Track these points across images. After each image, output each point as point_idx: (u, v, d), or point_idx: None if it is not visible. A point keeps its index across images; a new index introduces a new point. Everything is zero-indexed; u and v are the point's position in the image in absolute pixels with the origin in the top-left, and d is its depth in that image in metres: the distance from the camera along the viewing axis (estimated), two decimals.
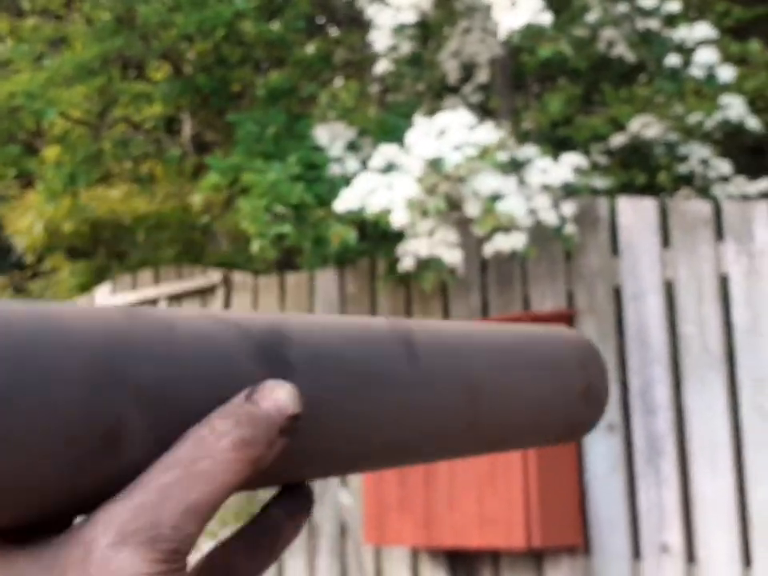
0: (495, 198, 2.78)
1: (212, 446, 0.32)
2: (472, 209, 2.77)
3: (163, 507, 0.31)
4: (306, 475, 0.40)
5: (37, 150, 5.43)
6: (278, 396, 0.34)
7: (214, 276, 4.52)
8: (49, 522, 0.33)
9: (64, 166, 4.15)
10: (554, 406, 0.52)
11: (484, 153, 2.68)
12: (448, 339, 0.48)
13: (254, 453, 0.33)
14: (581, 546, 3.17)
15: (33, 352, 0.30)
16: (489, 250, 2.91)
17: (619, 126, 4.08)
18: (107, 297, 5.02)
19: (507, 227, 2.79)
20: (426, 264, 2.95)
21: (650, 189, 3.87)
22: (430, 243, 2.88)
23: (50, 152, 4.80)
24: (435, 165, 2.69)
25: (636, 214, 3.25)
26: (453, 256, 2.90)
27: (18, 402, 0.29)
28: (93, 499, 0.32)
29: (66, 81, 3.86)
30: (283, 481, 0.39)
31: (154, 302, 4.75)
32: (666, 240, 3.21)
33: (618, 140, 3.95)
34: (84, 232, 5.31)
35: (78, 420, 0.31)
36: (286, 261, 4.57)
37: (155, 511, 0.31)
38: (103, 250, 5.69)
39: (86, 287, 5.54)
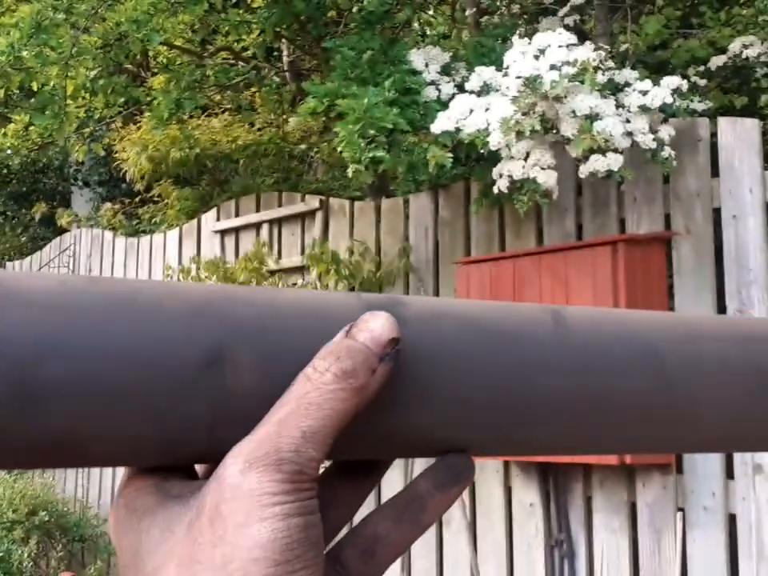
0: (592, 117, 2.78)
1: (318, 381, 0.35)
2: (568, 129, 2.79)
3: (282, 435, 0.35)
4: (429, 425, 0.39)
5: (143, 80, 5.61)
6: (374, 326, 0.36)
7: (313, 202, 4.65)
8: (182, 455, 0.36)
9: (170, 92, 4.30)
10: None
11: (582, 72, 2.68)
12: (609, 313, 0.43)
13: (356, 381, 0.35)
14: (673, 464, 3.22)
15: (143, 298, 0.35)
16: (584, 170, 2.93)
17: (719, 50, 3.98)
18: (213, 222, 5.22)
19: (603, 148, 2.80)
20: (521, 186, 2.98)
21: (750, 112, 3.78)
22: (524, 165, 2.91)
23: (157, 81, 4.96)
24: (532, 84, 2.70)
25: (737, 135, 3.21)
26: (547, 178, 2.93)
27: (130, 341, 0.33)
28: (210, 425, 0.35)
29: (170, 7, 3.97)
30: (406, 427, 0.38)
31: (256, 225, 4.93)
32: None
33: (717, 61, 3.86)
34: (188, 161, 5.50)
35: (183, 347, 0.34)
36: (381, 187, 4.66)
37: (276, 439, 0.35)
38: (207, 177, 5.89)
39: (192, 214, 5.77)
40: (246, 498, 0.34)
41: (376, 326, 0.36)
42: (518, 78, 2.75)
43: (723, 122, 3.25)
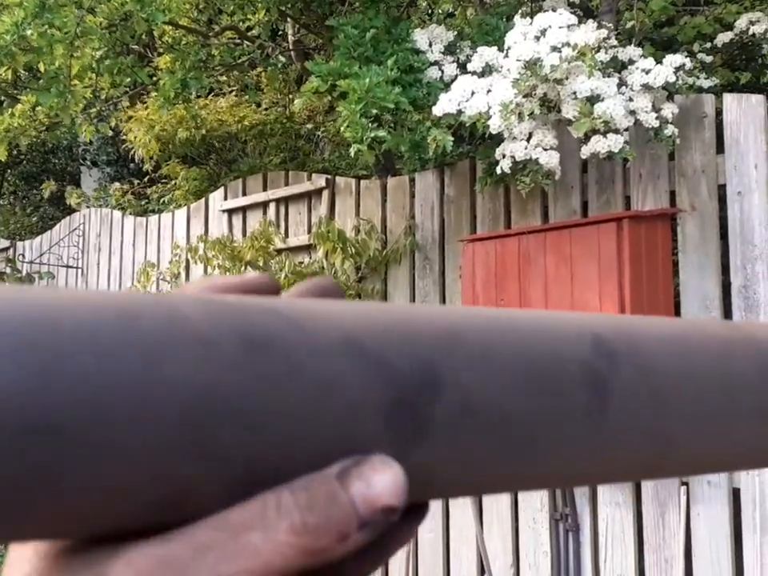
0: (593, 99, 2.78)
1: (270, 521, 0.28)
2: (569, 110, 2.79)
3: (191, 569, 0.27)
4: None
5: (150, 60, 5.62)
6: (375, 482, 0.28)
7: (319, 181, 4.67)
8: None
9: (176, 72, 4.31)
10: None
11: (581, 54, 2.68)
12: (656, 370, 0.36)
13: (313, 544, 0.28)
14: None
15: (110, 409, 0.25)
16: (586, 151, 2.93)
17: (725, 26, 3.96)
18: (220, 202, 5.26)
19: (604, 130, 2.80)
20: (523, 166, 2.99)
21: (756, 88, 3.76)
22: (527, 146, 2.91)
23: (163, 60, 4.97)
24: (532, 67, 2.70)
25: (742, 111, 3.20)
26: (550, 159, 2.94)
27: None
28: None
29: None
30: None
31: (263, 204, 4.95)
32: None
33: (724, 38, 3.85)
34: (195, 141, 5.52)
35: (144, 478, 0.26)
36: (388, 165, 4.67)
37: (180, 571, 0.27)
38: (214, 157, 5.91)
39: (200, 193, 5.80)
40: None
41: (379, 483, 0.28)
42: (519, 60, 2.75)
43: (729, 99, 3.24)
